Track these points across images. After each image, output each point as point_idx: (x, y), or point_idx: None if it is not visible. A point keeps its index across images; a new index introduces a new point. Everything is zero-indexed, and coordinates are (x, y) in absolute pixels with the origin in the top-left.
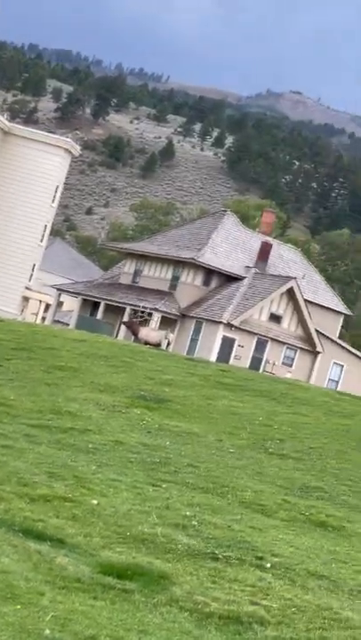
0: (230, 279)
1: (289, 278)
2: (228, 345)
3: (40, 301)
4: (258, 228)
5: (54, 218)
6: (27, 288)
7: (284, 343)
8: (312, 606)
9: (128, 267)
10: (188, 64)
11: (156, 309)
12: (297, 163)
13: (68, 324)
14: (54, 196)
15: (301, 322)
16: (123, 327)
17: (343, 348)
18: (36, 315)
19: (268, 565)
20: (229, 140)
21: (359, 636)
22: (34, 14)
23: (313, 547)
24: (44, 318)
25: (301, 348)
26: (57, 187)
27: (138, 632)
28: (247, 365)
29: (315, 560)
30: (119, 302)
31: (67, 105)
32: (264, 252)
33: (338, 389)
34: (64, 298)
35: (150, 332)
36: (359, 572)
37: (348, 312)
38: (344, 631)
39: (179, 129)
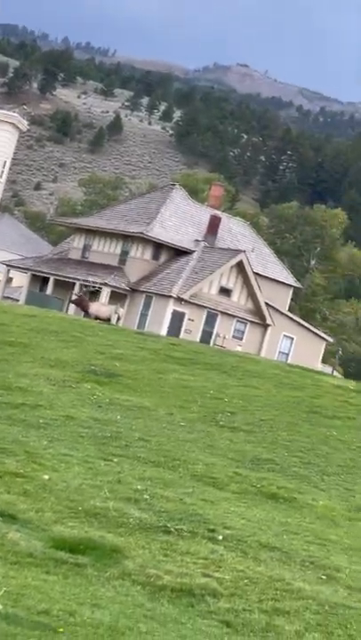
0: (180, 253)
1: (238, 251)
2: (178, 319)
3: None
4: (207, 201)
5: (2, 194)
6: None
7: (234, 316)
8: (264, 578)
9: (77, 242)
10: (135, 38)
11: (105, 284)
12: (245, 136)
13: (17, 300)
14: (2, 172)
15: (251, 295)
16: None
17: (293, 320)
18: None
19: (221, 538)
20: (177, 114)
21: (311, 607)
22: None
23: (264, 518)
24: None
25: (251, 322)
26: (5, 162)
27: (91, 606)
28: (197, 339)
29: (266, 532)
30: (68, 277)
31: (13, 80)
32: (213, 225)
33: (288, 362)
34: (13, 274)
35: (101, 307)
36: (311, 543)
37: (297, 285)
38: (296, 602)
39: (126, 103)
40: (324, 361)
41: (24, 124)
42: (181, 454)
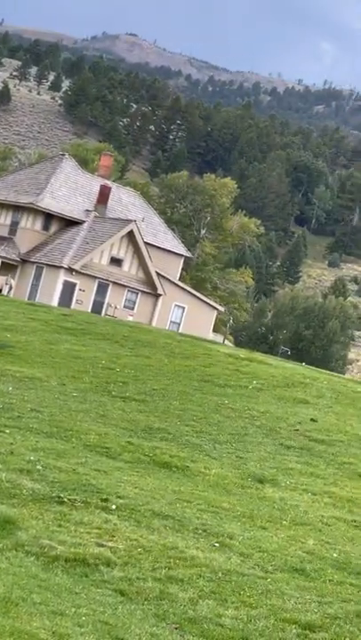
0: (70, 223)
1: (129, 221)
2: (69, 289)
3: None
4: (97, 171)
5: None
6: None
7: (125, 286)
8: (158, 546)
9: None
10: (22, 7)
11: None
12: (134, 106)
13: None
14: None
15: (142, 265)
16: None
17: (184, 289)
18: None
19: (114, 507)
20: (66, 84)
21: (204, 574)
22: None
23: (158, 487)
24: None
25: (143, 291)
26: None
27: None
28: (89, 309)
29: (160, 500)
30: None
31: None
32: (103, 195)
33: (180, 331)
34: None
35: None
36: (203, 511)
37: (188, 254)
38: (190, 569)
39: (14, 73)
40: (215, 330)
41: None
42: (74, 425)
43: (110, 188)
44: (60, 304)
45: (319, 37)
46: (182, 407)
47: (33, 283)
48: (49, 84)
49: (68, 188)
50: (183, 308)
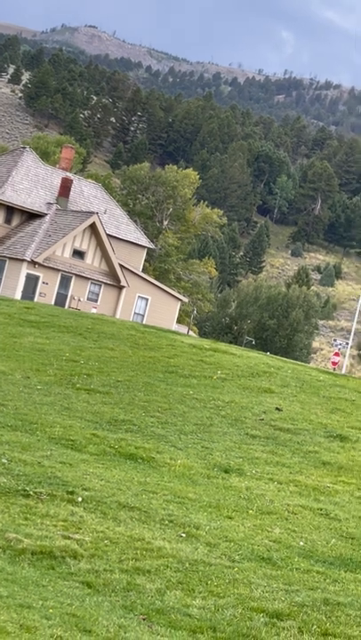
0: (32, 216)
1: (91, 213)
2: (32, 282)
3: None
4: (58, 164)
5: None
6: None
7: (88, 279)
8: (124, 538)
9: None
10: None
11: None
12: (95, 98)
13: None
14: None
15: (105, 257)
16: None
17: (147, 281)
18: None
19: (80, 499)
20: (26, 77)
21: (171, 564)
22: None
23: (123, 479)
24: None
25: (106, 283)
26: None
27: None
28: (52, 302)
29: (126, 492)
30: None
31: None
32: (65, 187)
33: (143, 322)
34: None
35: None
36: (170, 502)
37: (150, 245)
38: (156, 560)
39: None
40: (179, 321)
41: None
42: (39, 418)
43: (72, 181)
44: (23, 297)
45: (280, 26)
46: (147, 398)
47: None
48: (8, 77)
49: (30, 181)
50: (147, 300)
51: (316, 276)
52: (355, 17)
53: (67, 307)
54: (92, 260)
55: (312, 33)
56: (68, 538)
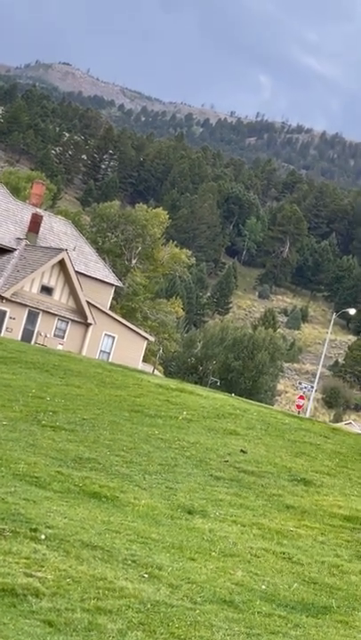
0: (1, 251)
1: (60, 250)
2: None
3: None
4: (28, 199)
5: None
6: None
7: (55, 315)
8: (87, 577)
9: None
10: None
11: None
12: (67, 134)
13: None
14: None
15: (73, 293)
16: None
17: (114, 319)
18: None
19: (43, 537)
20: None
21: (133, 605)
22: None
23: (87, 517)
24: None
25: (73, 320)
26: None
27: None
28: (19, 337)
29: (89, 531)
30: None
31: None
32: (35, 223)
33: (110, 360)
34: None
35: None
36: (133, 542)
37: (118, 283)
38: (119, 600)
39: None
40: (145, 360)
41: None
42: (3, 453)
43: (42, 217)
44: None
45: (257, 70)
46: (112, 437)
47: None
48: None
49: (0, 216)
50: (113, 338)
51: (282, 318)
52: (334, 64)
53: (33, 342)
54: (60, 296)
55: (290, 78)
56: (31, 575)
